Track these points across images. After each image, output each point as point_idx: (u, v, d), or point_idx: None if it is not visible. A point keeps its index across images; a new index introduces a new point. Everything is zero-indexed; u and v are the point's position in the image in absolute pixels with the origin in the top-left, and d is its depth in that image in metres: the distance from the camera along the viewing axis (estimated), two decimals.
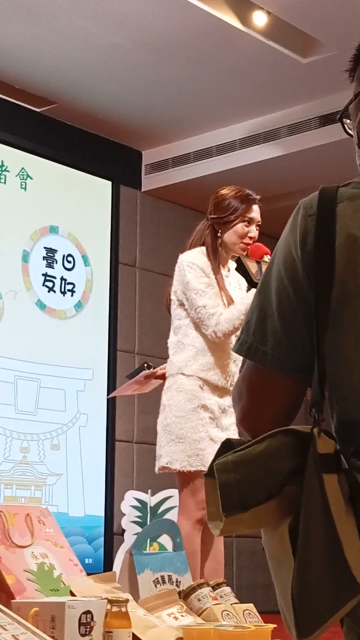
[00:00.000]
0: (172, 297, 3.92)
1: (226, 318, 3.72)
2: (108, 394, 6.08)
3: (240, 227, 3.87)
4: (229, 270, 3.97)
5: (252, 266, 3.64)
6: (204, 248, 3.91)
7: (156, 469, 3.83)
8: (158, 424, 3.84)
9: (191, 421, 3.73)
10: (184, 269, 3.85)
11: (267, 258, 3.75)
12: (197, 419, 3.73)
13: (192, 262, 3.84)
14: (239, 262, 3.64)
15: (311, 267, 1.36)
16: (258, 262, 3.65)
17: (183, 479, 3.75)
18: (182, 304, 3.86)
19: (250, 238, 3.87)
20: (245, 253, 3.86)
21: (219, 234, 3.89)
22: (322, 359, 1.35)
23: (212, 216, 3.91)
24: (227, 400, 3.80)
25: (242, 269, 3.63)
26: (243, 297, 3.78)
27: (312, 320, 1.36)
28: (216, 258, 3.88)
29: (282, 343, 1.39)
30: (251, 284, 3.71)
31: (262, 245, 3.84)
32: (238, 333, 3.94)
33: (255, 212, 3.91)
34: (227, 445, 1.34)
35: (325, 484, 1.26)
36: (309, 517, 1.26)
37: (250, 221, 3.89)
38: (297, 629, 1.25)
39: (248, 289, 3.84)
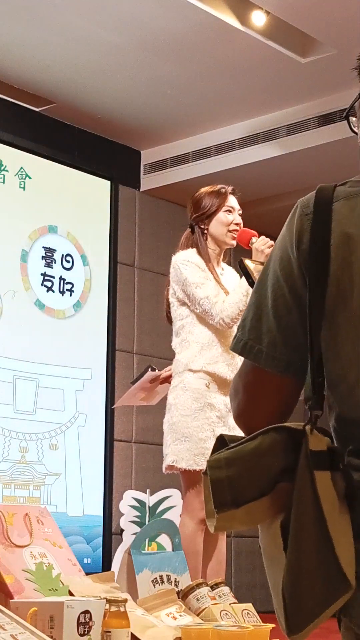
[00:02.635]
0: (171, 299, 3.94)
1: (230, 302, 3.77)
2: (107, 394, 6.08)
3: (222, 215, 3.97)
4: (222, 270, 4.02)
5: (254, 268, 3.66)
6: (194, 249, 3.97)
7: (163, 469, 3.84)
8: (164, 423, 3.85)
9: (197, 420, 3.73)
10: (178, 267, 3.91)
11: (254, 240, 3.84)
12: (204, 417, 3.74)
13: (186, 259, 3.91)
14: (241, 264, 3.68)
15: (307, 266, 1.36)
16: (263, 264, 3.68)
17: (188, 479, 3.75)
18: (183, 303, 3.88)
19: (236, 224, 3.97)
20: (235, 242, 3.96)
21: (205, 231, 3.97)
22: (315, 358, 1.35)
23: (195, 215, 4.00)
24: None
25: (243, 271, 3.67)
26: (240, 282, 3.82)
27: (306, 319, 1.36)
28: (207, 256, 3.95)
29: (277, 342, 1.40)
30: (252, 285, 3.73)
31: (247, 229, 3.93)
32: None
33: (233, 201, 4.01)
34: (221, 442, 1.35)
35: (316, 481, 1.26)
36: (299, 514, 1.26)
37: (231, 210, 3.99)
38: (287, 625, 1.26)
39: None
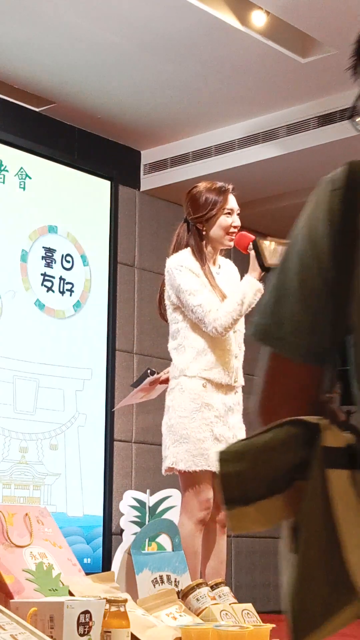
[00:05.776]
0: (167, 302, 3.92)
1: (224, 312, 3.73)
2: (107, 394, 6.07)
3: (223, 219, 3.89)
4: (219, 267, 3.97)
5: (267, 249, 3.65)
6: (189, 249, 3.91)
7: (162, 471, 3.83)
8: (162, 426, 3.84)
9: (195, 421, 3.72)
10: (172, 272, 3.85)
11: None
12: (201, 418, 3.72)
13: (180, 264, 3.84)
14: (254, 244, 3.67)
15: (337, 244, 1.27)
16: (279, 243, 3.68)
17: (187, 479, 3.74)
18: (177, 308, 3.86)
19: (235, 227, 3.90)
20: (232, 244, 3.90)
21: (203, 233, 3.90)
22: (339, 344, 1.25)
23: (193, 216, 3.91)
24: (232, 398, 3.81)
25: (256, 251, 3.66)
26: (236, 288, 3.80)
27: (334, 302, 1.25)
28: (203, 257, 3.89)
29: (301, 327, 1.29)
30: (263, 268, 3.72)
31: (245, 233, 3.87)
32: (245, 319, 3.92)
33: (233, 201, 3.94)
34: None
35: (329, 480, 1.17)
36: (308, 515, 1.17)
37: (230, 212, 3.91)
38: (292, 631, 1.18)
39: (260, 275, 3.79)
